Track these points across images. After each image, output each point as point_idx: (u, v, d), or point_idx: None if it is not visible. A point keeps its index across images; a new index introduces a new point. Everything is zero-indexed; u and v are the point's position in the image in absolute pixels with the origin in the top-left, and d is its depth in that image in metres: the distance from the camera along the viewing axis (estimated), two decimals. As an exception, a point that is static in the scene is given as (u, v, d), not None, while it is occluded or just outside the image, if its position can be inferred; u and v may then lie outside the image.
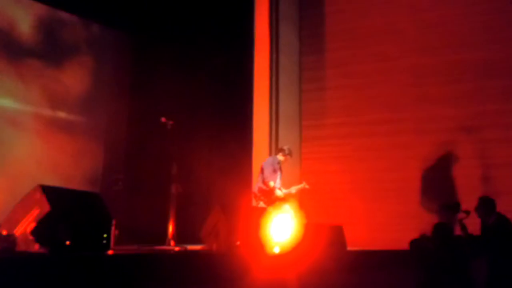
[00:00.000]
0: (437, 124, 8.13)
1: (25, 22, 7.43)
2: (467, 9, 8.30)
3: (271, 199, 6.92)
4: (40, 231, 4.29)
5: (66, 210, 4.57)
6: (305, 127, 8.95)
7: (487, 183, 7.71)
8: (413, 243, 5.94)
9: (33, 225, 4.32)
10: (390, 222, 8.01)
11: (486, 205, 5.77)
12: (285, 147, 7.24)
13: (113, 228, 5.15)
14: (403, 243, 7.38)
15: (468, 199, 7.77)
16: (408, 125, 8.32)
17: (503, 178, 7.64)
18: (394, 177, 8.19)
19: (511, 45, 7.88)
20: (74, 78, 7.70)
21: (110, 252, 4.79)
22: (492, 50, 8.07)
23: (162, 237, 6.43)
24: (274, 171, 7.00)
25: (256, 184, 7.16)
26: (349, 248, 5.82)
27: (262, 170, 7.07)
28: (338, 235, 5.72)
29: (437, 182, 8.01)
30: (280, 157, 7.13)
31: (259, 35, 8.53)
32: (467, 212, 6.02)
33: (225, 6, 8.70)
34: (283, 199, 6.96)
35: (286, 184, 7.17)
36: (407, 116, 8.36)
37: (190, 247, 6.21)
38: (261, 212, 6.34)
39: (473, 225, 6.28)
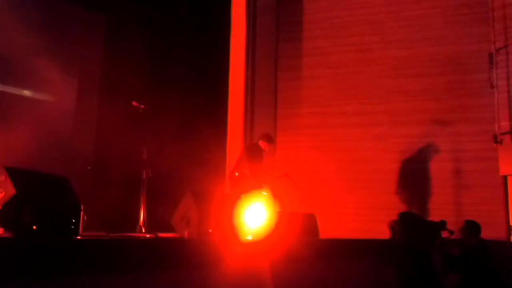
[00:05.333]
0: (411, 117, 8.22)
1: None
2: (444, 3, 8.38)
3: (244, 187, 6.87)
4: (5, 215, 4.16)
5: (32, 193, 4.43)
6: (281, 116, 8.93)
7: (459, 176, 7.83)
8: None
9: (-3, 208, 4.19)
10: (362, 212, 8.09)
11: (472, 228, 5.97)
12: (267, 134, 7.16)
13: (81, 213, 5.02)
14: (374, 233, 7.46)
15: (440, 192, 7.91)
16: (382, 117, 8.39)
17: (474, 172, 7.77)
18: (368, 168, 8.25)
19: (485, 40, 7.97)
20: (41, 56, 7.44)
21: (78, 237, 4.67)
22: (467, 45, 8.18)
23: (132, 224, 6.32)
24: (252, 159, 6.94)
25: (232, 170, 7.10)
26: (321, 237, 5.82)
27: (240, 157, 7.00)
28: (311, 224, 5.72)
29: (410, 174, 8.11)
30: (261, 144, 7.06)
31: (236, 20, 8.45)
32: (451, 232, 6.15)
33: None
34: (257, 187, 6.91)
35: (261, 173, 7.13)
36: (382, 108, 8.42)
37: (161, 234, 6.12)
38: (234, 199, 6.29)
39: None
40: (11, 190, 4.23)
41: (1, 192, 4.26)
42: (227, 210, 5.69)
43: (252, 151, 7.02)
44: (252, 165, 6.94)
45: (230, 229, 5.41)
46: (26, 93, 7.57)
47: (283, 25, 9.19)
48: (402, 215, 5.96)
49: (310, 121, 8.76)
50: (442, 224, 6.31)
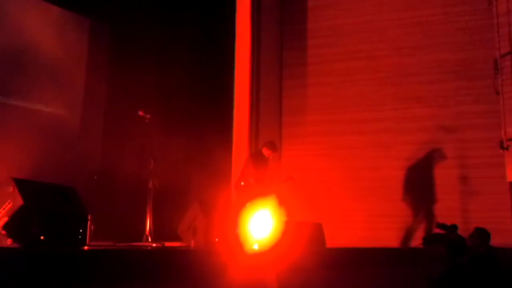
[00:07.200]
0: (417, 124, 8.21)
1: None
2: (447, 10, 8.39)
3: (250, 195, 6.86)
4: (13, 226, 4.20)
5: (40, 204, 4.47)
6: (286, 124, 8.94)
7: (465, 183, 7.81)
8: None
9: (5, 219, 4.23)
10: (368, 220, 8.07)
11: (482, 236, 5.97)
12: (270, 141, 7.16)
13: (89, 223, 5.05)
14: (381, 241, 7.46)
15: (446, 198, 7.89)
16: (388, 124, 8.38)
17: (481, 178, 7.75)
18: (373, 176, 8.24)
19: (490, 46, 7.96)
20: (48, 68, 7.52)
21: (85, 248, 4.69)
22: (471, 51, 8.18)
23: (139, 233, 6.34)
24: (257, 166, 6.93)
25: (238, 179, 7.10)
26: (328, 246, 5.81)
27: (245, 165, 7.01)
28: (318, 233, 5.71)
29: (416, 182, 8.08)
30: (265, 151, 7.05)
31: (240, 29, 8.48)
32: (461, 238, 6.16)
33: (206, 0, 8.62)
34: (262, 195, 6.90)
35: (266, 180, 7.13)
36: (387, 115, 8.42)
37: (168, 243, 6.13)
38: (240, 208, 6.29)
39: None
40: (19, 201, 4.27)
41: (10, 203, 4.29)
42: (232, 219, 5.70)
43: (256, 158, 7.02)
44: (257, 173, 6.93)
45: (235, 239, 5.41)
46: (32, 104, 7.63)
47: (288, 34, 9.22)
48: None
49: (315, 129, 8.76)
50: (454, 228, 6.32)
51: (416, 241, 7.40)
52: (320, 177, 8.44)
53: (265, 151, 7.06)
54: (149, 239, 6.26)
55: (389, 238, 7.67)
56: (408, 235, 7.87)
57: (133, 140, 7.09)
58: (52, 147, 7.40)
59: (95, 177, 7.91)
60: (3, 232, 4.21)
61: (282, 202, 7.02)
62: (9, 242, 4.19)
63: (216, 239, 5.70)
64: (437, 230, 6.62)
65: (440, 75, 8.26)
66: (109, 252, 4.26)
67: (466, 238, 6.15)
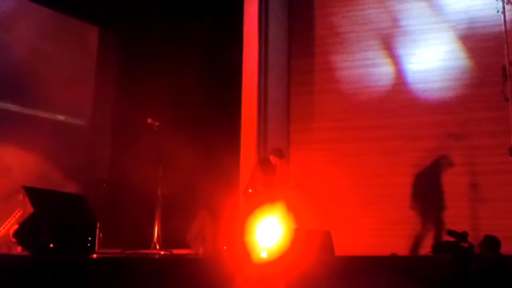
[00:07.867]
0: (425, 131, 8.17)
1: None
2: (455, 17, 8.36)
3: (258, 202, 6.86)
4: (23, 233, 4.24)
5: (49, 212, 4.51)
6: (293, 131, 8.93)
7: (474, 190, 7.76)
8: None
9: (15, 227, 4.26)
10: (377, 227, 8.02)
11: (492, 243, 5.93)
12: (277, 148, 7.18)
13: (97, 230, 5.08)
14: (389, 248, 7.41)
15: (456, 205, 7.84)
16: (395, 131, 8.34)
17: (490, 185, 7.69)
18: (382, 183, 8.19)
19: (499, 53, 7.92)
20: (57, 76, 7.59)
21: (94, 255, 4.72)
22: (480, 58, 8.14)
23: (147, 241, 6.35)
24: (264, 174, 6.95)
25: (246, 186, 7.10)
26: (336, 253, 5.79)
27: (253, 172, 7.02)
28: (327, 241, 5.69)
29: (425, 189, 8.03)
30: (272, 159, 7.06)
31: (247, 36, 8.51)
32: (471, 245, 6.12)
33: (214, 8, 8.67)
34: (271, 202, 6.90)
35: (274, 187, 7.13)
36: (394, 122, 8.38)
37: (176, 251, 6.15)
38: (247, 215, 6.29)
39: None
40: (29, 209, 4.31)
41: (20, 211, 4.34)
42: (240, 227, 5.69)
43: (264, 165, 7.04)
44: (265, 180, 6.93)
45: (243, 247, 5.40)
46: (41, 112, 7.70)
47: (296, 41, 9.23)
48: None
49: (323, 136, 8.74)
50: (464, 236, 6.27)
51: (425, 249, 7.35)
52: (328, 184, 8.41)
53: (272, 159, 7.08)
54: (157, 247, 6.28)
55: (398, 246, 7.60)
56: (417, 243, 7.82)
57: (142, 148, 7.13)
58: (61, 155, 7.46)
59: (104, 184, 7.96)
60: (13, 239, 4.26)
61: (291, 209, 7.01)
62: (19, 249, 4.23)
63: (224, 247, 5.70)
64: (447, 238, 6.57)
65: (448, 82, 8.23)
66: (117, 260, 4.29)
67: (476, 246, 6.10)
